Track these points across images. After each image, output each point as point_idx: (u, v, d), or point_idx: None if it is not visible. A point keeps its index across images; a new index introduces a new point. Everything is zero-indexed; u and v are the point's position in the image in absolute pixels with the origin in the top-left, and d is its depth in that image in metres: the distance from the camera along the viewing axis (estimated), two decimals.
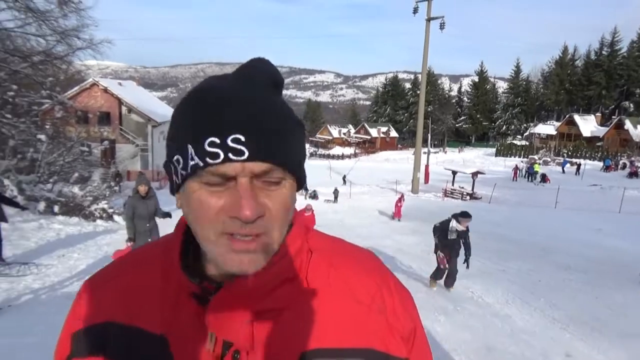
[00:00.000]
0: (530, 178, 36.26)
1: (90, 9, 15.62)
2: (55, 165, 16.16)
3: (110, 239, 11.25)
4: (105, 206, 15.06)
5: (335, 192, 25.34)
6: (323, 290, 0.68)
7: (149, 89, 49.75)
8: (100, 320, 0.69)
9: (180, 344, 0.65)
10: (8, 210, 9.49)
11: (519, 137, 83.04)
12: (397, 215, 18.44)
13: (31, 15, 14.94)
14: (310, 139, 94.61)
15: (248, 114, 0.57)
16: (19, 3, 14.54)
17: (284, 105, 0.63)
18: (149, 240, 6.90)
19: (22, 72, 16.07)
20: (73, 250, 9.53)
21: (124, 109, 37.85)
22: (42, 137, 15.08)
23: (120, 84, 40.33)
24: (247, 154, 0.56)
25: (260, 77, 0.62)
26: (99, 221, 14.13)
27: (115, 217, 14.99)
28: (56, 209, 13.54)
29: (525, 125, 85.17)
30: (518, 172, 38.10)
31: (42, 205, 13.33)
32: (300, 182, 0.64)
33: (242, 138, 0.56)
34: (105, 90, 35.89)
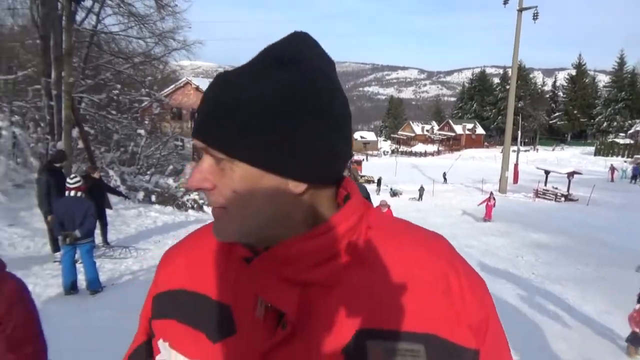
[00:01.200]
0: (636, 180, 33.14)
1: (184, 12, 16.55)
2: (152, 158, 17.38)
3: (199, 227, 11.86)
4: (197, 197, 15.94)
5: (421, 190, 24.84)
6: (380, 269, 0.64)
7: None
8: (174, 287, 0.74)
9: (240, 312, 0.66)
10: (112, 198, 10.37)
11: (622, 134, 76.03)
12: (487, 216, 17.55)
13: (133, 19, 16.17)
14: (392, 135, 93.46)
15: (211, 94, 0.61)
16: (122, 8, 15.79)
17: (265, 87, 0.58)
18: None
19: (124, 73, 17.45)
20: (167, 237, 10.17)
21: None
22: (142, 132, 16.28)
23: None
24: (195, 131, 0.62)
25: (260, 55, 0.63)
26: (190, 211, 14.99)
27: (205, 208, 15.82)
28: (153, 198, 14.55)
29: (629, 122, 77.83)
30: (615, 172, 34.96)
31: (140, 195, 14.38)
32: (277, 170, 0.59)
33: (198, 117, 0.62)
34: (197, 88, 37.90)
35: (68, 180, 5.72)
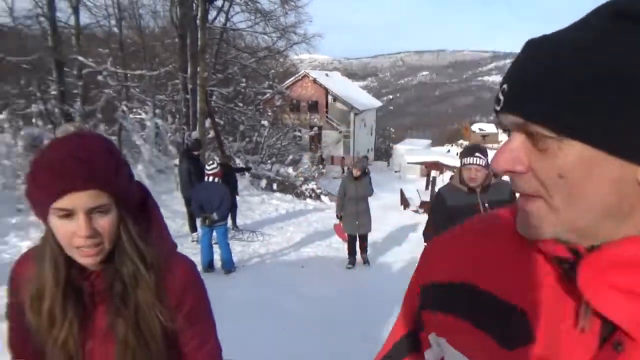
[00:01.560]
0: None
1: (305, 6, 16.99)
2: (273, 148, 18.19)
3: (319, 217, 12.14)
4: (314, 187, 16.38)
5: None
6: None
7: (351, 79, 52.43)
8: (455, 279, 0.67)
9: (540, 320, 0.57)
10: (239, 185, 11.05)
11: None
12: None
13: (259, 15, 16.98)
14: None
15: (533, 58, 0.53)
16: (249, 6, 16.65)
17: (621, 53, 0.46)
18: (357, 223, 6.93)
19: (249, 67, 18.43)
20: (289, 224, 10.56)
21: (330, 98, 40.55)
22: (265, 122, 17.10)
23: (327, 74, 43.26)
24: None
25: (596, 12, 0.52)
26: (308, 200, 15.45)
27: (323, 198, 16.20)
28: (274, 186, 15.24)
29: None
30: None
31: (263, 183, 15.14)
32: (627, 154, 0.48)
33: None
34: (315, 81, 38.91)
35: (207, 166, 6.18)
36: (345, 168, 35.64)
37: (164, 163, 14.44)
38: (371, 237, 9.71)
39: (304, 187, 16.34)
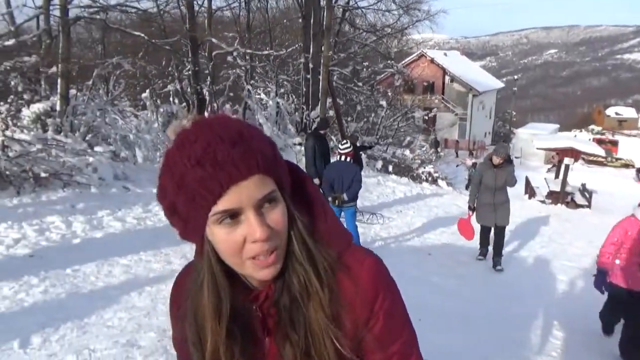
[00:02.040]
0: None
1: None
2: (390, 129, 17.83)
3: (438, 202, 11.67)
4: (431, 170, 15.80)
5: None
6: None
7: (468, 59, 49.60)
8: None
9: None
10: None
11: None
12: None
13: None
14: None
15: None
16: None
17: None
18: (494, 215, 6.22)
19: (369, 46, 18.13)
20: (407, 207, 10.26)
21: (447, 78, 38.87)
22: (383, 103, 16.77)
23: (445, 54, 41.46)
24: None
25: None
26: (424, 184, 14.94)
27: (440, 182, 15.57)
28: (390, 168, 14.95)
29: None
30: None
31: (379, 164, 14.93)
32: None
33: None
34: (432, 60, 37.52)
35: (339, 145, 6.11)
36: (459, 152, 34.26)
37: (283, 141, 14.86)
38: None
39: (420, 170, 15.83)
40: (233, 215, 0.70)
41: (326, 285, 0.78)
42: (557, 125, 47.56)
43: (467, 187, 15.88)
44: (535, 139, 28.20)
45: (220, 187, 0.68)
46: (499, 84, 48.01)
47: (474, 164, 16.72)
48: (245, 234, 0.70)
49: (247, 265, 0.74)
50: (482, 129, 42.34)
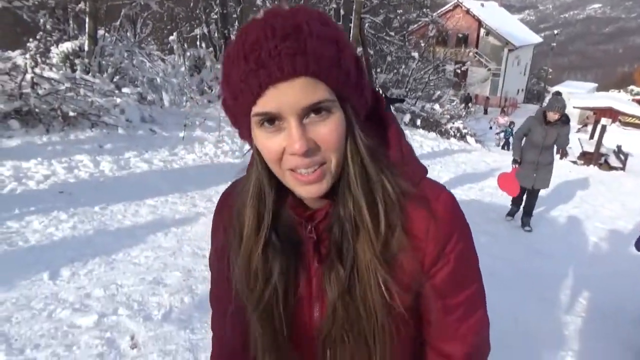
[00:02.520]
0: None
1: None
2: (421, 82, 17.30)
3: (466, 158, 11.40)
4: (460, 126, 15.39)
5: None
6: None
7: (507, 11, 47.00)
8: None
9: None
10: None
11: None
12: None
13: None
14: None
15: None
16: None
17: None
18: (534, 175, 5.63)
19: None
20: (435, 162, 10.06)
21: (482, 31, 37.24)
22: (415, 54, 16.18)
23: (482, 4, 39.49)
24: None
25: None
26: (452, 139, 14.60)
27: (468, 138, 15.19)
28: (418, 122, 14.61)
29: None
30: None
31: (407, 118, 14.59)
32: None
33: None
34: (468, 11, 35.83)
35: None
36: (488, 109, 33.22)
37: None
38: None
39: (449, 126, 15.44)
40: (272, 120, 0.62)
41: (383, 220, 0.69)
42: (595, 85, 45.55)
43: (503, 148, 15.48)
44: (571, 97, 27.11)
45: (258, 86, 0.60)
46: (537, 38, 45.80)
47: (512, 123, 16.18)
48: (285, 143, 0.63)
49: (287, 176, 0.67)
50: (515, 86, 40.86)
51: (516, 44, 36.98)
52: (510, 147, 16.61)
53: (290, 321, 0.76)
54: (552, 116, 5.31)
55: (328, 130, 0.63)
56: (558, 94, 6.67)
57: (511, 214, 6.26)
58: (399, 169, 0.73)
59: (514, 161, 5.82)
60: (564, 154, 14.57)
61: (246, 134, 0.69)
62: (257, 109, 0.62)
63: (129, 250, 3.60)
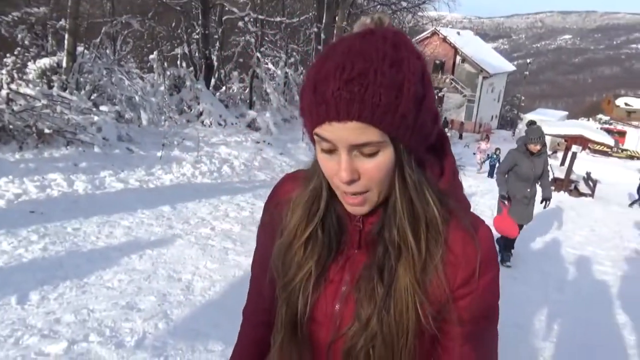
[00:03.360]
0: None
1: None
2: None
3: None
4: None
5: None
6: None
7: (482, 39, 48.50)
8: None
9: None
10: None
11: None
12: None
13: None
14: None
15: None
16: None
17: None
18: (527, 209, 5.40)
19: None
20: None
21: (458, 58, 38.23)
22: None
23: (458, 33, 40.66)
24: None
25: None
26: None
27: None
28: None
29: None
30: None
31: None
32: None
33: None
34: (444, 39, 36.77)
35: None
36: (463, 134, 33.90)
37: (289, 112, 14.68)
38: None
39: None
40: (329, 146, 0.70)
41: (424, 247, 0.75)
42: (566, 113, 47.01)
43: (490, 175, 15.68)
44: (543, 124, 27.89)
45: (318, 117, 0.68)
46: (510, 67, 47.27)
47: (497, 149, 16.43)
48: (337, 169, 0.70)
49: (338, 192, 0.76)
50: (490, 112, 41.90)
51: (490, 72, 38.04)
52: (495, 176, 16.63)
53: (312, 307, 0.82)
54: (535, 147, 5.16)
55: (373, 166, 0.70)
56: (532, 123, 6.40)
57: (506, 259, 5.64)
58: (449, 197, 0.78)
59: (503, 197, 5.35)
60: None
61: (311, 138, 0.75)
62: (317, 131, 0.70)
63: (102, 273, 3.51)
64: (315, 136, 0.70)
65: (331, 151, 0.70)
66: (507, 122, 47.25)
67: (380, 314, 0.76)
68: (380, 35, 0.68)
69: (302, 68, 16.16)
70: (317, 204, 0.80)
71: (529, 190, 5.33)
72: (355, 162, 0.69)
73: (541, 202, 5.53)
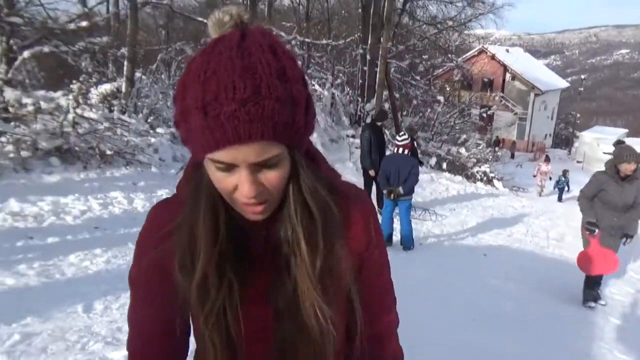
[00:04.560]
0: None
1: None
2: (446, 126, 17.39)
3: (494, 203, 11.29)
4: (487, 169, 15.31)
5: None
6: None
7: (532, 56, 47.25)
8: None
9: None
10: None
11: None
12: None
13: None
14: None
15: None
16: None
17: None
18: (613, 241, 4.66)
19: (429, 38, 17.70)
20: (461, 206, 9.98)
21: (507, 76, 37.45)
22: (441, 98, 16.36)
23: (507, 50, 39.90)
24: None
25: None
26: (479, 183, 14.50)
27: (495, 182, 15.07)
28: (444, 165, 14.60)
29: None
30: None
31: (433, 161, 14.60)
32: None
33: None
34: (493, 57, 36.17)
35: (397, 137, 5.99)
36: (515, 153, 32.90)
37: (336, 133, 14.81)
38: (557, 232, 8.68)
39: (475, 169, 15.37)
40: (228, 167, 0.68)
41: (322, 240, 0.76)
42: (626, 130, 44.80)
43: (559, 199, 15.07)
44: (601, 142, 26.71)
45: (215, 143, 0.64)
46: (563, 83, 45.76)
47: (566, 172, 15.77)
48: (236, 183, 0.69)
49: (237, 204, 0.73)
50: (543, 130, 40.55)
51: (542, 89, 36.99)
52: (562, 198, 15.96)
53: (244, 319, 0.79)
54: (627, 168, 4.38)
55: (275, 176, 0.70)
56: (620, 142, 5.27)
57: (594, 298, 4.91)
58: (333, 181, 0.83)
59: (591, 225, 4.60)
60: None
61: (194, 156, 0.76)
62: (212, 156, 0.67)
63: None
64: (209, 160, 0.68)
65: (229, 169, 0.68)
66: (562, 141, 45.54)
67: (291, 309, 0.78)
68: (256, 43, 0.66)
69: (348, 89, 16.32)
70: (216, 222, 0.75)
71: (615, 219, 4.60)
72: (257, 175, 0.69)
73: (621, 238, 4.72)
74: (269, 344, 0.81)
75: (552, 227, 9.15)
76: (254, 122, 0.62)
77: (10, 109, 6.46)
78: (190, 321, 0.87)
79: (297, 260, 0.76)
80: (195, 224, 0.75)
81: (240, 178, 0.68)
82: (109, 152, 6.79)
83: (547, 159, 17.85)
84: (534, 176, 17.31)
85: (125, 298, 3.36)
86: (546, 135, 41.72)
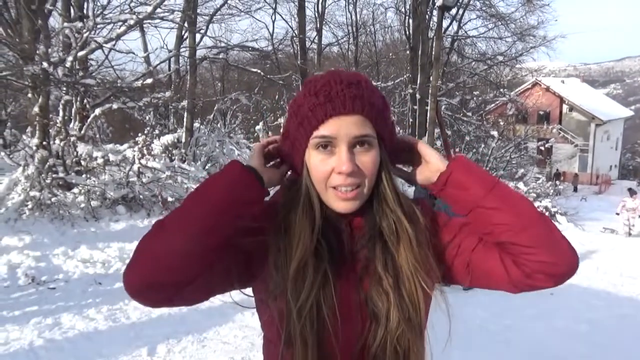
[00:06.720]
0: None
1: (552, 2, 15.37)
2: (502, 161, 16.94)
3: None
4: (549, 204, 14.66)
5: None
6: None
7: (590, 86, 45.52)
8: None
9: None
10: None
11: None
12: None
13: (494, 20, 16.05)
14: None
15: None
16: (485, 12, 15.87)
17: None
18: None
19: (479, 75, 17.57)
20: None
21: (564, 107, 36.22)
22: (494, 133, 16.03)
23: (562, 81, 38.78)
24: None
25: None
26: None
27: (558, 217, 14.37)
28: None
29: None
30: None
31: None
32: None
33: None
34: (547, 89, 35.20)
35: None
36: (578, 186, 31.22)
37: None
38: (632, 268, 8.09)
39: (536, 204, 14.72)
40: (327, 145, 0.80)
41: (417, 224, 0.85)
42: None
43: None
44: None
45: (324, 114, 0.79)
46: (626, 112, 43.60)
47: None
48: (334, 165, 0.79)
49: (329, 193, 0.82)
50: (607, 162, 38.50)
51: (604, 119, 35.40)
52: None
53: (338, 304, 0.82)
54: None
55: (369, 159, 0.81)
56: None
57: None
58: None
59: None
60: None
61: (297, 155, 0.85)
62: (318, 132, 0.80)
63: (218, 329, 3.74)
64: (314, 139, 0.80)
65: (329, 150, 0.80)
66: (629, 172, 43.00)
67: (397, 303, 0.82)
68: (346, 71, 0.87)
69: (399, 128, 16.40)
70: (313, 218, 0.83)
71: None
72: (353, 155, 0.80)
73: None
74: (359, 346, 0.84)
75: (625, 264, 8.53)
76: (356, 99, 0.79)
77: (82, 162, 6.97)
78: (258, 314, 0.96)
79: (401, 241, 0.84)
80: (293, 219, 0.84)
81: (339, 154, 0.79)
82: (170, 199, 7.12)
83: (633, 193, 15.02)
84: (617, 214, 14.66)
85: (186, 342, 3.44)
86: (611, 166, 39.56)
